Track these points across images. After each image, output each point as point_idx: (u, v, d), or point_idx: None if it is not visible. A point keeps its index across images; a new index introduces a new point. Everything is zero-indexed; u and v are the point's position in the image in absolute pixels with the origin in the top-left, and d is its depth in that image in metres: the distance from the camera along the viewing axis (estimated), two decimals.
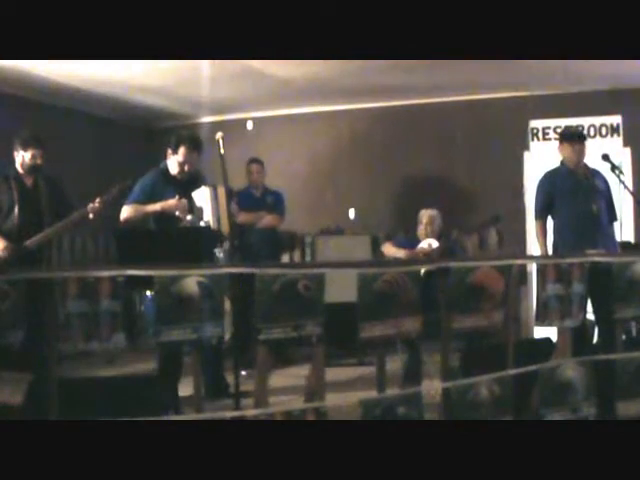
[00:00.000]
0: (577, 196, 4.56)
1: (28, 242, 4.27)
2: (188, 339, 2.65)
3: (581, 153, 4.63)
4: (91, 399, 2.75)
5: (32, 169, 4.45)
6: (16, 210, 4.36)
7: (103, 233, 6.71)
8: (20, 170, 4.45)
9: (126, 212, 4.32)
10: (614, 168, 4.67)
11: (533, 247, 6.66)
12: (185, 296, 2.62)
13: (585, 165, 4.67)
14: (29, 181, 4.47)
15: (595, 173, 4.71)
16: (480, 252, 6.36)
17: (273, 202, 5.99)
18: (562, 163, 4.73)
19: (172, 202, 4.27)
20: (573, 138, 4.68)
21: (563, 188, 4.63)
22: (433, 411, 3.12)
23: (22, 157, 4.43)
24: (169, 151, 4.41)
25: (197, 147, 4.41)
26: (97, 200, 4.33)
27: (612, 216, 4.73)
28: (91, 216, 4.35)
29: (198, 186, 4.37)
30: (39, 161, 4.45)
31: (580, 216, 4.51)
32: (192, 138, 4.44)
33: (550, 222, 4.73)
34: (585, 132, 6.14)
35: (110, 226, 4.76)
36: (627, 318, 3.51)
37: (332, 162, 7.45)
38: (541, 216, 4.72)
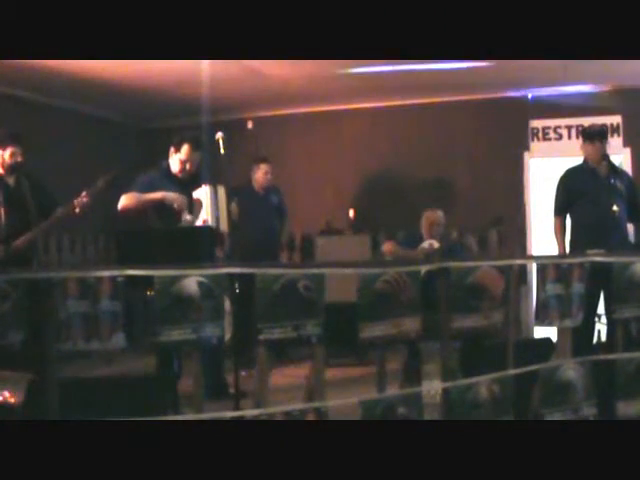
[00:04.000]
0: (597, 196, 4.56)
1: (18, 242, 4.26)
2: (188, 339, 2.65)
3: (599, 152, 4.61)
4: (91, 399, 2.75)
5: (13, 167, 4.41)
6: (2, 211, 4.34)
7: (103, 233, 6.72)
8: (0, 170, 4.42)
9: (124, 200, 4.29)
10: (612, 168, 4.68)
11: (533, 247, 6.69)
12: (185, 296, 2.62)
13: (608, 164, 4.66)
14: (11, 180, 4.44)
15: (618, 173, 4.70)
16: (481, 252, 6.37)
17: (278, 200, 6.01)
18: (584, 161, 4.73)
19: (172, 194, 4.25)
20: (592, 137, 4.67)
21: (583, 187, 4.64)
22: (433, 411, 3.11)
23: (1, 156, 4.39)
24: (172, 149, 4.41)
25: (200, 147, 4.42)
26: (83, 194, 4.32)
27: (636, 217, 4.73)
28: (78, 210, 4.34)
29: (198, 185, 4.38)
30: (19, 159, 4.42)
31: (599, 216, 4.51)
32: (195, 138, 4.44)
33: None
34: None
35: (110, 227, 4.77)
36: (627, 318, 3.51)
37: (332, 162, 7.45)
38: (560, 213, 4.73)
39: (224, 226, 4.27)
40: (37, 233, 4.39)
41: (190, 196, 4.34)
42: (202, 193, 4.33)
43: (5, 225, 4.34)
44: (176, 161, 4.40)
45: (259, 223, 5.82)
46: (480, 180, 6.91)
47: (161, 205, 4.28)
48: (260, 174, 5.94)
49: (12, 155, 4.39)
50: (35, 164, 4.67)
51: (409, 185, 7.22)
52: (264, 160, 6.00)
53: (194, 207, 4.33)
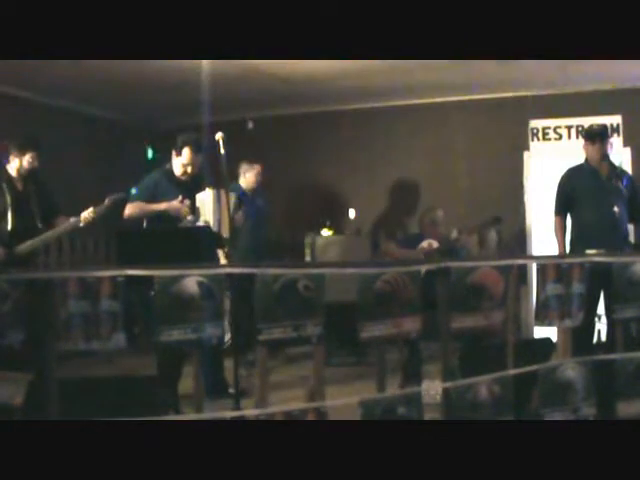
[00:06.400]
0: (597, 196, 4.56)
1: (20, 248, 4.27)
2: (188, 339, 2.65)
3: (600, 152, 4.60)
4: (91, 399, 2.75)
5: (29, 172, 4.43)
6: (9, 215, 4.36)
7: (103, 234, 6.71)
8: (14, 174, 4.44)
9: (130, 209, 4.38)
10: (613, 168, 4.68)
11: (533, 247, 6.68)
12: (185, 296, 2.62)
13: (609, 165, 4.66)
14: (20, 185, 4.46)
15: (620, 174, 4.70)
16: (480, 252, 6.37)
17: (263, 203, 5.98)
18: (586, 161, 4.72)
19: (176, 204, 4.32)
20: (593, 137, 4.66)
21: (584, 187, 4.64)
22: (433, 411, 3.11)
23: (19, 161, 4.41)
24: (173, 153, 4.45)
25: (201, 150, 4.45)
26: (89, 210, 4.36)
27: (636, 217, 4.72)
28: (82, 224, 4.40)
29: (202, 188, 4.40)
30: (36, 164, 4.45)
31: (599, 217, 4.51)
32: (196, 141, 4.46)
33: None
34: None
35: (111, 227, 4.78)
36: (627, 318, 3.51)
37: (332, 162, 7.45)
38: (560, 213, 4.74)
39: (225, 229, 4.28)
40: (40, 242, 4.41)
41: (193, 198, 4.37)
42: (204, 196, 4.35)
43: (10, 229, 4.35)
44: (178, 164, 4.44)
45: (250, 227, 5.72)
46: (480, 180, 6.91)
47: (164, 213, 4.32)
48: (252, 175, 5.89)
49: (30, 160, 4.42)
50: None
51: (409, 185, 7.23)
52: (257, 161, 5.95)
53: (197, 211, 4.36)
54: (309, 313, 2.79)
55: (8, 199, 4.38)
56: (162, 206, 4.33)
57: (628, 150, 6.47)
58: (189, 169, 4.44)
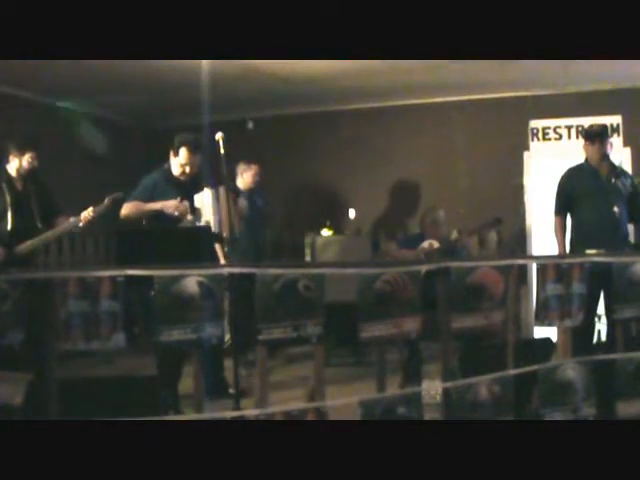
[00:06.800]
0: (597, 196, 4.56)
1: (20, 248, 4.27)
2: (188, 339, 2.65)
3: (600, 152, 4.61)
4: (91, 399, 2.75)
5: (28, 172, 4.43)
6: (9, 215, 4.36)
7: (103, 234, 6.71)
8: (13, 174, 4.44)
9: (127, 208, 4.37)
10: (613, 168, 4.68)
11: (533, 247, 6.69)
12: (185, 296, 2.62)
13: (609, 165, 4.66)
14: (20, 185, 4.46)
15: (620, 174, 4.70)
16: (480, 253, 6.37)
17: (262, 203, 5.97)
18: (586, 161, 4.73)
19: (173, 203, 4.30)
20: (593, 137, 4.66)
21: (584, 187, 4.65)
22: (433, 411, 3.11)
23: (19, 161, 4.41)
24: (171, 153, 4.44)
25: (198, 149, 4.44)
26: (89, 210, 4.36)
27: (637, 217, 4.72)
28: (81, 224, 4.39)
29: (200, 188, 4.40)
30: (35, 163, 4.45)
31: (599, 217, 4.51)
32: (194, 140, 4.45)
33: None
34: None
35: (111, 227, 4.78)
36: (627, 318, 3.51)
37: (332, 162, 7.45)
38: (560, 213, 4.74)
39: (225, 229, 4.28)
40: (40, 242, 4.41)
41: (192, 199, 4.36)
42: (205, 195, 4.35)
43: (10, 229, 4.35)
44: (176, 165, 4.43)
45: (248, 227, 5.69)
46: (480, 180, 6.91)
47: (162, 213, 4.32)
48: (250, 175, 5.87)
49: (30, 160, 4.42)
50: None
51: (409, 185, 7.22)
52: (256, 161, 5.93)
53: (197, 211, 4.35)
54: (309, 313, 2.80)
55: (8, 199, 4.38)
56: (158, 205, 4.31)
57: (628, 150, 6.48)
58: (187, 169, 4.42)
